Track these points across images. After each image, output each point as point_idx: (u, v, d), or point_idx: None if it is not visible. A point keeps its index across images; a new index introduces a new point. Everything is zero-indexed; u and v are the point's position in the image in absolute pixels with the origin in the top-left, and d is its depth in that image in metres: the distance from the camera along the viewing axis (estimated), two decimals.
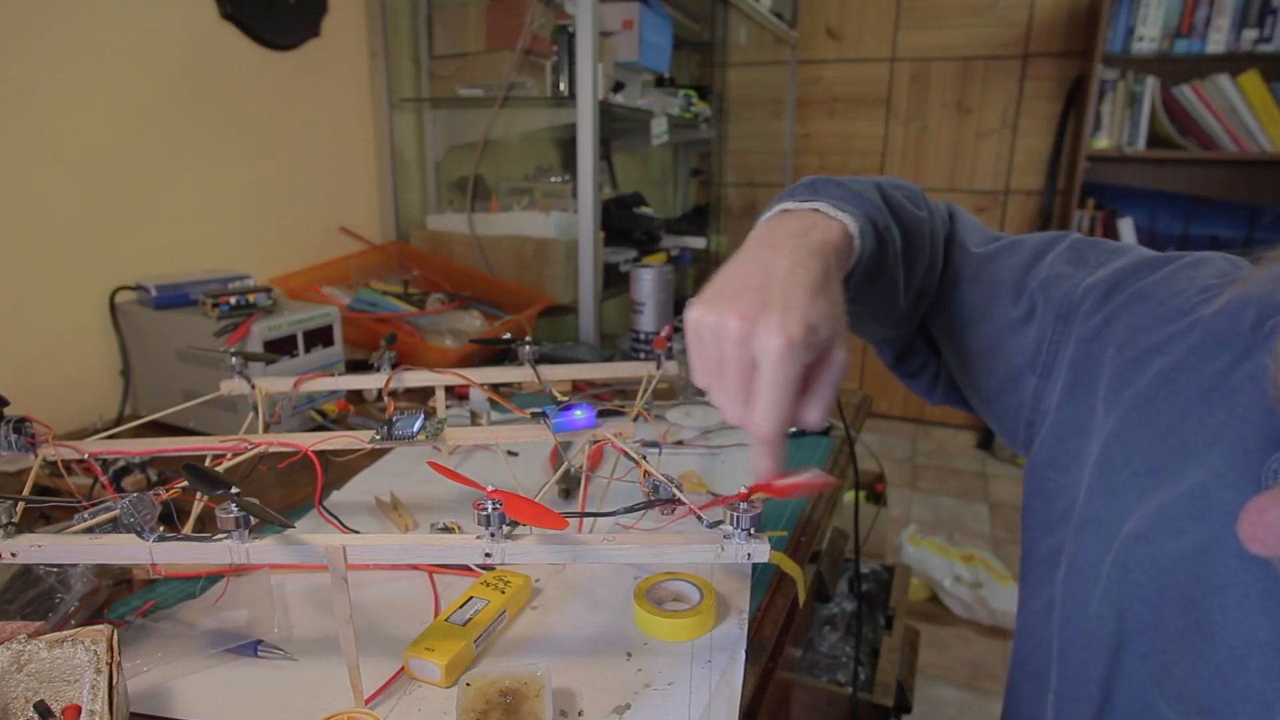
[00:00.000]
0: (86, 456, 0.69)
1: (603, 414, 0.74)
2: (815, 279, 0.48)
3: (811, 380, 0.48)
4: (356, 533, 0.60)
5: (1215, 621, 0.43)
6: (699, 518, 0.56)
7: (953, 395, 0.70)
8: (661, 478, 0.60)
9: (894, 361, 0.73)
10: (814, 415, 0.49)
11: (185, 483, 0.59)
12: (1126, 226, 2.83)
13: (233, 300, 1.01)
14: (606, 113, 1.55)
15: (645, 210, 1.89)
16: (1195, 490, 0.45)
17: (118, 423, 1.07)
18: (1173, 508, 0.46)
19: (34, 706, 0.47)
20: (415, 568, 0.70)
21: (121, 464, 0.84)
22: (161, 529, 0.52)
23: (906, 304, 0.64)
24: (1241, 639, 0.42)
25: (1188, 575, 0.44)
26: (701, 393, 1.15)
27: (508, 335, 0.90)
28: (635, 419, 0.80)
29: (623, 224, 1.81)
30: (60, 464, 0.69)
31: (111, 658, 0.49)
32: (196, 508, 0.70)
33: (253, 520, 0.51)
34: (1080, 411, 0.54)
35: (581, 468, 0.79)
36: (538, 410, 0.73)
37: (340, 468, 0.92)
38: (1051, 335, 0.56)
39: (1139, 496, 0.48)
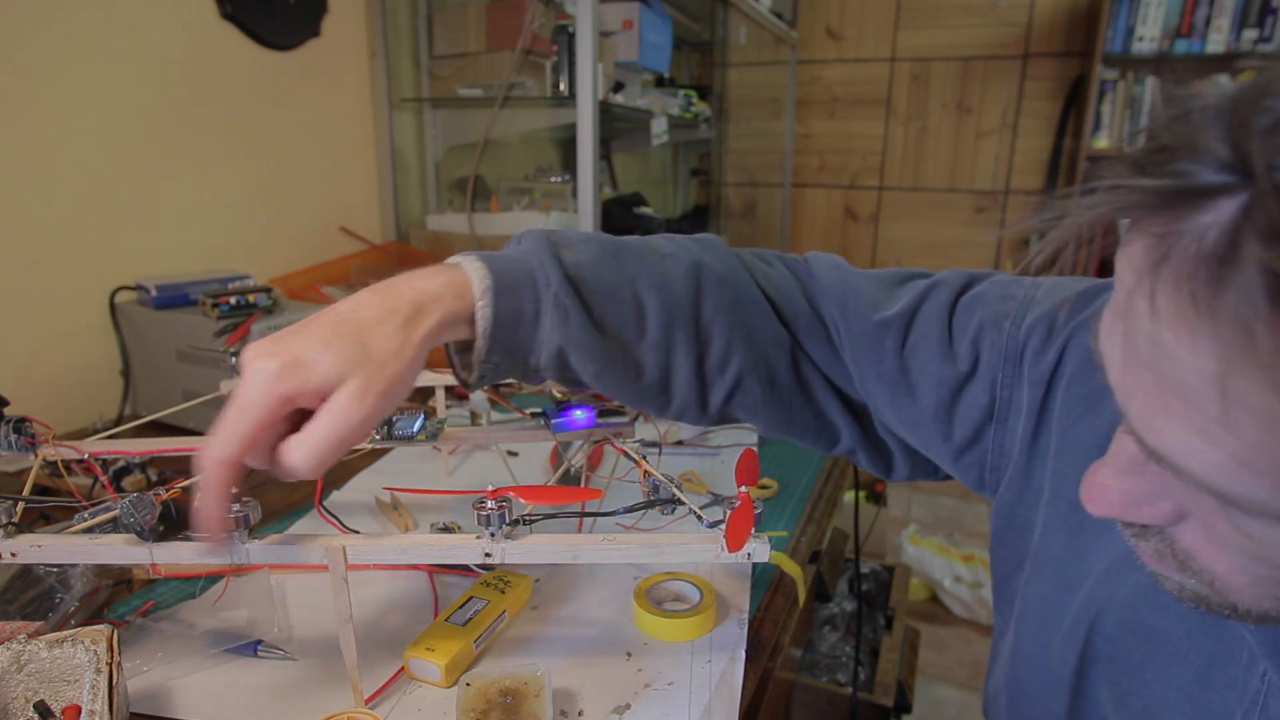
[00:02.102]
0: (86, 456, 0.69)
1: (603, 414, 0.74)
2: (359, 327, 0.45)
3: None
4: (356, 533, 0.60)
5: (1179, 647, 0.43)
6: (699, 517, 0.56)
7: (915, 468, 0.64)
8: (661, 478, 0.60)
9: (823, 448, 0.65)
10: (294, 455, 0.43)
11: (185, 483, 0.59)
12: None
13: (233, 300, 1.01)
14: (606, 113, 1.55)
15: (645, 210, 1.89)
16: None
17: (118, 423, 1.07)
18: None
19: (34, 706, 0.47)
20: (415, 568, 0.70)
21: (121, 464, 0.84)
22: (161, 529, 0.52)
23: (712, 382, 0.56)
24: (1204, 658, 0.42)
25: (1148, 605, 0.45)
26: None
27: None
28: (635, 419, 0.81)
29: (623, 224, 1.81)
30: (60, 464, 0.68)
31: (111, 658, 0.49)
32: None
33: (252, 520, 0.52)
34: (1041, 450, 0.53)
35: (581, 468, 0.79)
36: (538, 410, 0.73)
37: (340, 468, 0.92)
38: (1003, 380, 0.54)
39: (1096, 534, 0.48)
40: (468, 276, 0.49)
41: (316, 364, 0.43)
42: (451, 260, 0.51)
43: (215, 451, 0.43)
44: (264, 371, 0.43)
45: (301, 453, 0.43)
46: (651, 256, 0.55)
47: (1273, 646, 0.38)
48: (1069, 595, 0.50)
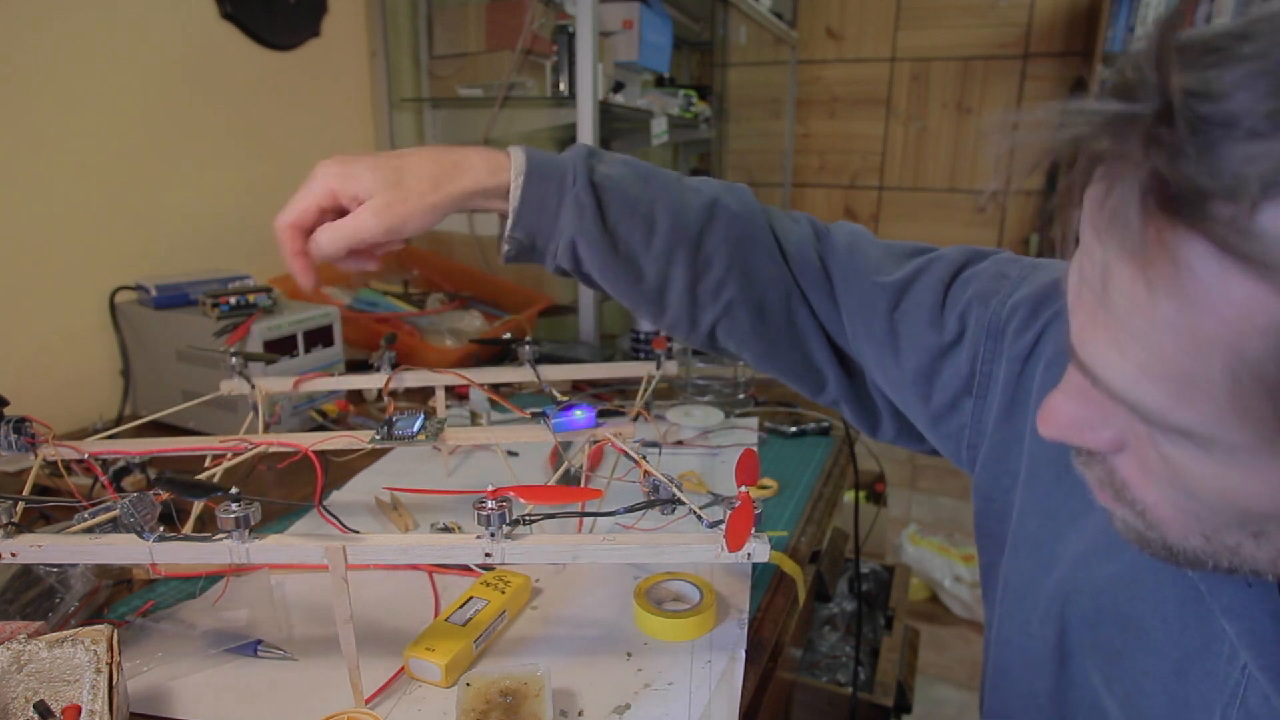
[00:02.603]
0: (86, 456, 0.69)
1: (603, 414, 0.74)
2: (404, 165, 0.58)
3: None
4: (356, 533, 0.60)
5: (1156, 637, 0.43)
6: (699, 517, 0.56)
7: (900, 431, 0.67)
8: (661, 478, 0.60)
9: (810, 392, 0.69)
10: (320, 236, 0.58)
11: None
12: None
13: (233, 300, 1.01)
14: (606, 113, 1.55)
15: None
16: None
17: (118, 423, 1.07)
18: (1107, 528, 0.46)
19: (34, 706, 0.47)
20: (415, 568, 0.70)
21: (121, 464, 0.84)
22: (161, 529, 0.53)
23: (704, 303, 0.63)
24: (1182, 650, 0.42)
25: (1125, 593, 0.45)
26: (702, 392, 1.16)
27: (508, 335, 0.90)
28: (635, 419, 0.81)
29: None
30: (60, 464, 0.69)
31: (111, 658, 0.49)
32: (196, 508, 0.70)
33: (252, 520, 0.52)
34: (1016, 430, 0.54)
35: (581, 468, 0.79)
36: (538, 410, 0.73)
37: (340, 468, 0.92)
38: (983, 355, 0.56)
39: (1072, 518, 0.49)
40: (510, 160, 0.60)
41: (360, 177, 0.57)
42: (509, 148, 0.61)
43: (282, 218, 0.59)
44: (325, 169, 0.58)
45: (325, 236, 0.58)
46: (677, 186, 0.63)
47: (1252, 638, 0.38)
48: (1044, 577, 0.50)
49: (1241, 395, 0.28)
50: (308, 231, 0.59)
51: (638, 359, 1.25)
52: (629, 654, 0.60)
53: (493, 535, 0.52)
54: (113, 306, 1.10)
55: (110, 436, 0.72)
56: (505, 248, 0.61)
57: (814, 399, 0.69)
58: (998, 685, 0.55)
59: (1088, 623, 0.47)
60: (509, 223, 0.60)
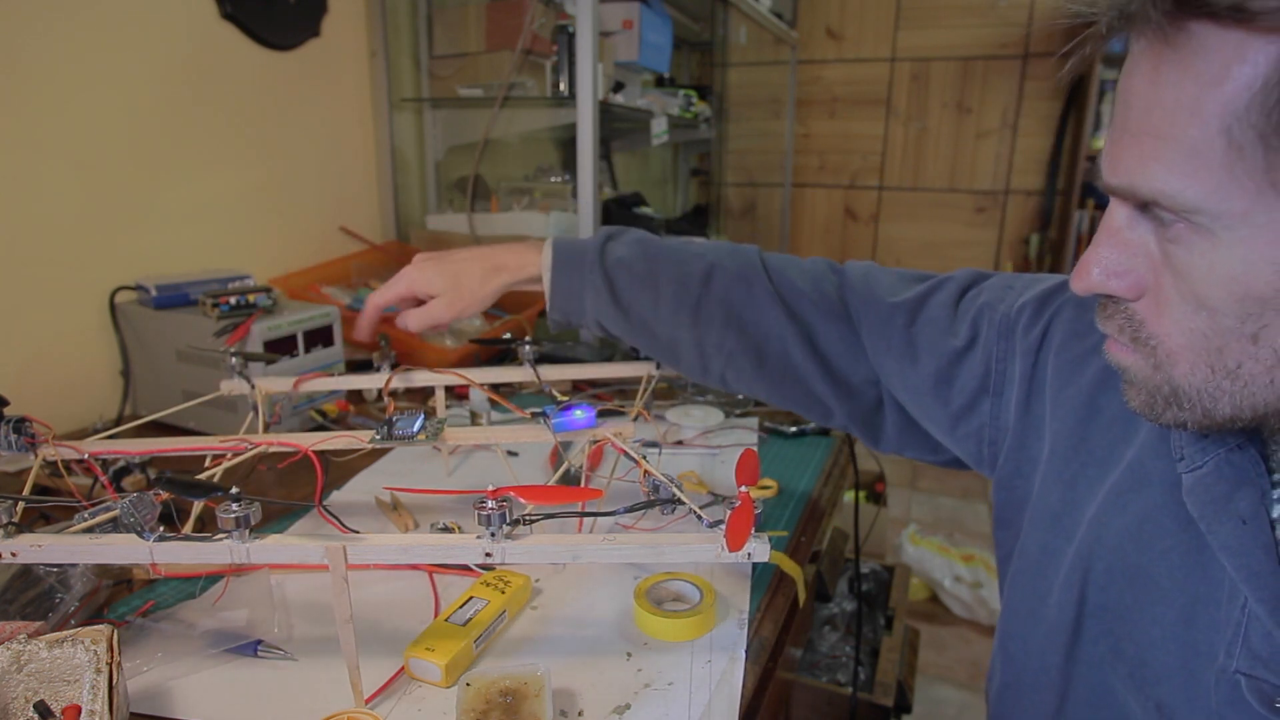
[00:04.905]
0: (86, 456, 0.69)
1: (603, 414, 0.74)
2: (460, 269, 0.74)
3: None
4: (356, 533, 0.60)
5: (1163, 585, 0.46)
6: (699, 517, 0.56)
7: (905, 443, 0.72)
8: (661, 478, 0.60)
9: (818, 420, 0.74)
10: (407, 320, 0.75)
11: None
12: None
13: (233, 300, 1.01)
14: (606, 113, 1.55)
15: (645, 210, 1.89)
16: (1133, 463, 0.49)
17: (118, 423, 1.07)
18: (1118, 485, 0.50)
19: (34, 706, 0.47)
20: (415, 568, 0.70)
21: (121, 464, 0.84)
22: (161, 529, 0.53)
23: (709, 355, 0.71)
24: (1188, 596, 0.44)
25: (1134, 545, 0.47)
26: (701, 392, 1.16)
27: (508, 335, 0.90)
28: (635, 419, 0.81)
29: (622, 224, 1.80)
30: (60, 464, 0.69)
31: (111, 658, 0.49)
32: (196, 508, 0.70)
33: (253, 520, 0.52)
34: (1036, 418, 0.57)
35: (581, 468, 0.79)
36: (538, 410, 0.73)
37: (340, 468, 0.92)
38: (997, 354, 0.60)
39: (1089, 486, 0.52)
40: (541, 256, 0.73)
41: (431, 280, 0.74)
42: (546, 239, 0.74)
43: (373, 298, 0.77)
44: (408, 272, 0.75)
45: (412, 318, 0.75)
46: (680, 257, 0.71)
47: (1249, 573, 0.40)
48: (1065, 546, 0.53)
49: (1234, 149, 0.34)
50: (382, 309, 0.78)
51: (637, 359, 1.25)
52: (629, 654, 0.60)
53: (493, 535, 0.52)
54: (113, 306, 1.10)
55: (110, 436, 0.72)
56: (550, 322, 0.74)
57: (825, 424, 0.75)
58: (1012, 655, 0.57)
59: (1099, 585, 0.49)
60: (548, 307, 0.73)
